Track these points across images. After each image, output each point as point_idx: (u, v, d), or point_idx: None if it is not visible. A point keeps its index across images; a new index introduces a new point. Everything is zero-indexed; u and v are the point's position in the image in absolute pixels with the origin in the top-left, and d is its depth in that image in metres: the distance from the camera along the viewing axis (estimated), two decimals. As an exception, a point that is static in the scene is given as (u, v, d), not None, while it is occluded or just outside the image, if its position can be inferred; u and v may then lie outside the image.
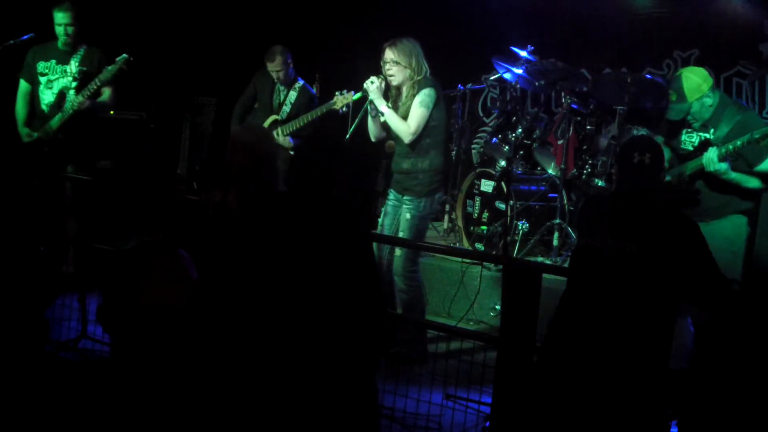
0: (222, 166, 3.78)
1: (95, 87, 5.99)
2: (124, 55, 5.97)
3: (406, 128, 5.07)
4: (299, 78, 6.76)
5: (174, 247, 2.01)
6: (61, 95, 6.12)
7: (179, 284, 1.95)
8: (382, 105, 5.13)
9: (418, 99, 5.07)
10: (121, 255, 2.01)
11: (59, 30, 6.06)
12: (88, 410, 1.88)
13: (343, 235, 3.09)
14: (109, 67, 5.97)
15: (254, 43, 7.27)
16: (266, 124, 6.61)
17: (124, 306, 1.92)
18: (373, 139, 5.38)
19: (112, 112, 7.06)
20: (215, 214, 3.64)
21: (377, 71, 5.21)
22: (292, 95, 6.72)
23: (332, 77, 7.43)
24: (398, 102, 5.21)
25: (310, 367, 2.99)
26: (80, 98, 5.98)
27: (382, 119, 5.17)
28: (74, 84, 6.10)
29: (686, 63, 7.13)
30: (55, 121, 6.05)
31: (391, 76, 5.14)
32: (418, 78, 5.11)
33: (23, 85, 6.25)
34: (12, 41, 6.14)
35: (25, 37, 6.17)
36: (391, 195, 5.35)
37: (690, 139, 4.81)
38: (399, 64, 5.10)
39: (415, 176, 5.15)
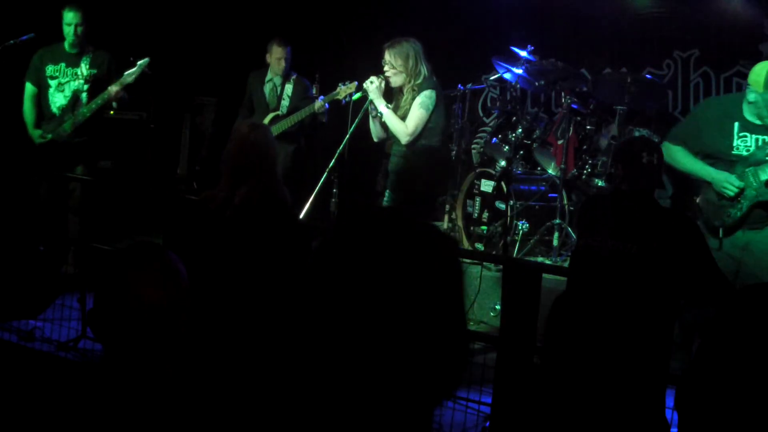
0: (225, 163, 3.75)
1: (118, 88, 5.98)
2: (146, 59, 5.97)
3: (404, 129, 5.06)
4: (293, 72, 6.84)
5: (162, 249, 2.00)
6: (75, 98, 6.12)
7: (170, 286, 1.94)
8: (381, 105, 5.12)
9: (418, 100, 5.07)
10: (109, 258, 1.99)
11: (68, 30, 6.05)
12: (88, 411, 1.87)
13: (435, 262, 3.05)
14: (133, 70, 5.98)
15: (254, 43, 7.28)
16: (266, 120, 6.64)
17: (114, 309, 1.91)
18: (375, 139, 5.39)
19: (112, 112, 7.06)
20: (218, 211, 3.64)
21: (377, 71, 5.21)
22: (288, 88, 6.80)
23: (332, 77, 7.43)
24: (399, 102, 5.21)
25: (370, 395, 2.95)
26: (116, 87, 5.96)
27: (381, 119, 5.17)
28: (86, 87, 6.11)
29: (686, 63, 7.14)
30: (69, 123, 6.05)
31: (390, 77, 5.15)
32: (417, 81, 5.10)
33: (29, 87, 6.23)
34: (12, 41, 6.14)
35: (25, 37, 6.17)
36: (388, 195, 5.36)
37: (744, 144, 4.43)
38: (395, 67, 5.09)
39: None
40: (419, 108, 5.05)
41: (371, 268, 3.03)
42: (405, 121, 5.08)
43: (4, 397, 1.90)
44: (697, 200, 4.57)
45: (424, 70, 5.12)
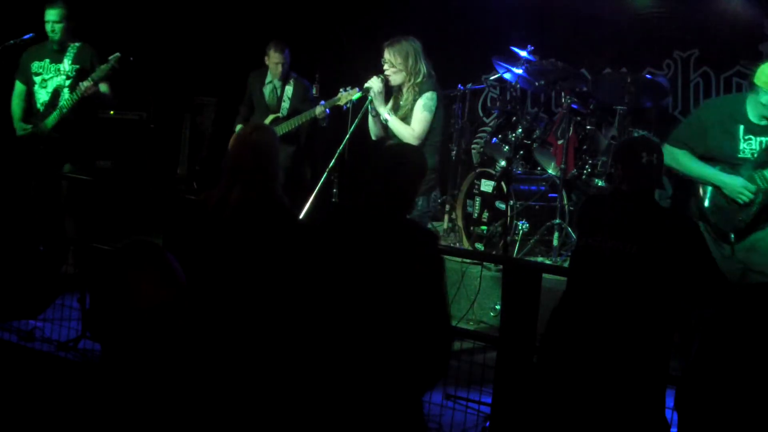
0: (225, 162, 3.76)
1: (89, 84, 5.97)
2: (117, 54, 5.96)
3: (410, 132, 5.03)
4: (292, 72, 6.83)
5: (159, 248, 2.00)
6: (56, 94, 6.12)
7: (167, 285, 1.94)
8: (384, 112, 5.13)
9: (421, 102, 5.06)
10: (106, 257, 1.99)
11: (47, 27, 6.07)
12: (88, 411, 1.87)
13: (418, 258, 3.04)
14: (102, 66, 5.96)
15: (254, 43, 7.28)
16: (266, 122, 6.64)
17: (112, 309, 1.91)
18: (373, 138, 5.38)
19: (112, 112, 7.06)
20: (216, 210, 3.64)
21: (377, 71, 5.21)
22: (288, 90, 6.79)
23: (332, 77, 7.43)
24: (399, 101, 5.21)
25: (358, 388, 2.95)
26: (87, 83, 5.95)
27: (385, 123, 5.17)
28: (68, 82, 6.10)
29: (686, 63, 7.14)
30: (50, 120, 6.05)
31: (390, 76, 5.16)
32: (417, 81, 5.10)
33: (18, 86, 6.26)
34: (12, 41, 6.15)
35: (25, 37, 6.18)
36: None
37: (750, 146, 4.36)
38: (394, 66, 5.10)
39: None
40: (423, 110, 5.04)
41: (354, 263, 3.05)
42: (411, 125, 5.07)
43: (4, 397, 1.90)
44: (705, 205, 4.48)
45: (423, 68, 5.11)
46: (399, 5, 8.01)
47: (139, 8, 8.17)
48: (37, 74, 6.17)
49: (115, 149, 7.66)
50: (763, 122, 4.34)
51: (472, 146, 7.60)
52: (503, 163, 6.37)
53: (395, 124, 5.08)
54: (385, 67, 5.14)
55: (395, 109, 5.18)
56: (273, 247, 3.55)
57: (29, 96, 6.22)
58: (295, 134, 6.76)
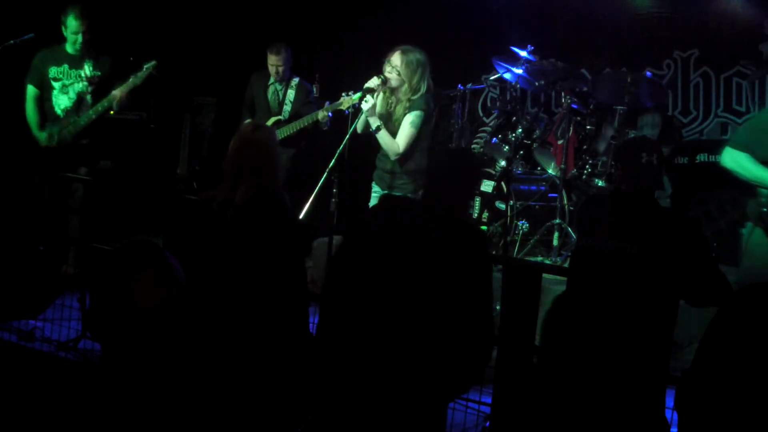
0: (227, 163, 3.76)
1: (125, 90, 6.01)
2: (153, 61, 6.01)
3: (395, 148, 5.20)
4: (294, 75, 6.81)
5: (159, 247, 2.00)
6: (80, 100, 6.12)
7: (166, 284, 1.94)
8: (375, 123, 5.20)
9: (409, 118, 5.17)
10: (106, 258, 1.99)
11: (74, 37, 6.05)
12: (88, 411, 1.87)
13: (473, 259, 3.01)
14: (140, 73, 6.02)
15: (254, 43, 7.28)
16: (268, 124, 6.63)
17: (112, 309, 1.91)
18: (359, 131, 5.43)
19: (111, 112, 7.05)
20: (218, 211, 3.64)
21: (377, 72, 5.24)
22: (291, 93, 6.77)
23: (332, 78, 7.43)
24: (391, 107, 5.28)
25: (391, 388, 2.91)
26: (123, 90, 5.99)
27: (375, 129, 5.23)
28: (90, 89, 6.11)
29: (686, 63, 7.14)
30: (73, 125, 6.06)
31: (390, 79, 5.21)
32: (415, 96, 5.18)
33: (31, 89, 6.20)
34: (12, 41, 6.14)
35: (25, 37, 6.16)
36: (376, 188, 5.41)
37: None
38: (400, 75, 5.17)
39: (400, 176, 5.28)
40: (410, 127, 5.19)
41: (400, 258, 3.02)
42: (396, 138, 5.16)
43: (4, 397, 1.90)
44: (764, 210, 4.39)
45: (424, 86, 5.21)
46: (399, 6, 8.01)
47: (139, 8, 8.17)
48: (57, 79, 6.15)
49: (115, 149, 7.66)
50: None
51: (472, 146, 7.59)
52: (503, 163, 6.37)
53: (383, 136, 5.23)
54: (388, 69, 5.18)
55: (386, 112, 5.25)
56: (278, 246, 3.55)
57: (42, 101, 6.20)
58: (296, 137, 6.76)
